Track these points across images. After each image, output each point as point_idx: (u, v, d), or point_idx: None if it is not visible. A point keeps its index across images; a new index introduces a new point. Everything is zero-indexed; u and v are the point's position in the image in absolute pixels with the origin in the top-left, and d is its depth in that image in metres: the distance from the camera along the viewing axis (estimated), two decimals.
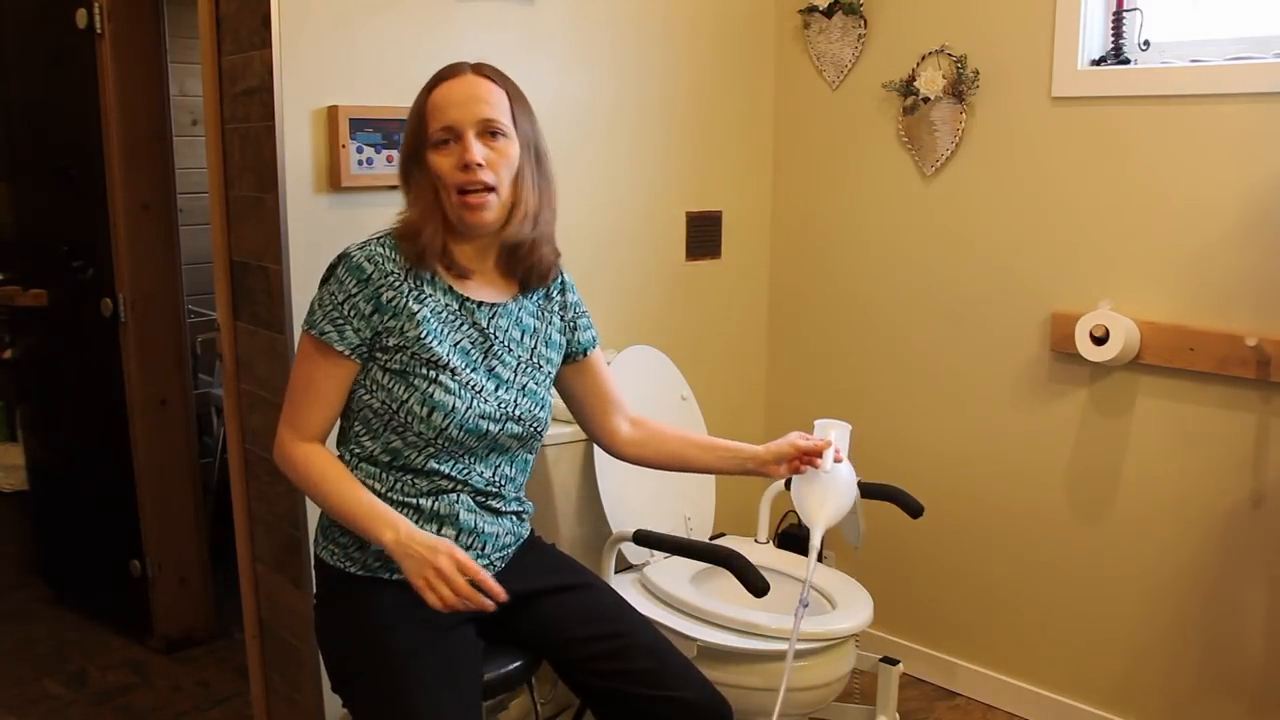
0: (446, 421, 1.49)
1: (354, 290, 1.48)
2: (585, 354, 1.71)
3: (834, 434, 1.64)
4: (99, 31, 2.44)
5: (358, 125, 1.89)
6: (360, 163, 1.90)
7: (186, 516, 2.72)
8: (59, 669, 2.63)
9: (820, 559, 2.55)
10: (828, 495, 1.61)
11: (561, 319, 1.68)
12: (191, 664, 2.67)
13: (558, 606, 1.60)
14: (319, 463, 1.49)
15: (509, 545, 1.63)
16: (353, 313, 1.48)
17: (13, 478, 3.19)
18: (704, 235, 2.63)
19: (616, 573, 2.14)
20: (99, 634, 2.82)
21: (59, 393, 2.91)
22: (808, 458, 1.62)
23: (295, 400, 1.52)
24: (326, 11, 1.85)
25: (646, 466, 1.77)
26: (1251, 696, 2.10)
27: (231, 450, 2.11)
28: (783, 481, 2.29)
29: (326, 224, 1.90)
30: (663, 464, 1.75)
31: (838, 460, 1.62)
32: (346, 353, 1.49)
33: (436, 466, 1.52)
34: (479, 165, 1.47)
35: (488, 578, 1.39)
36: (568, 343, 1.69)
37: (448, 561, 1.37)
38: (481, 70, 1.53)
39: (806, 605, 1.55)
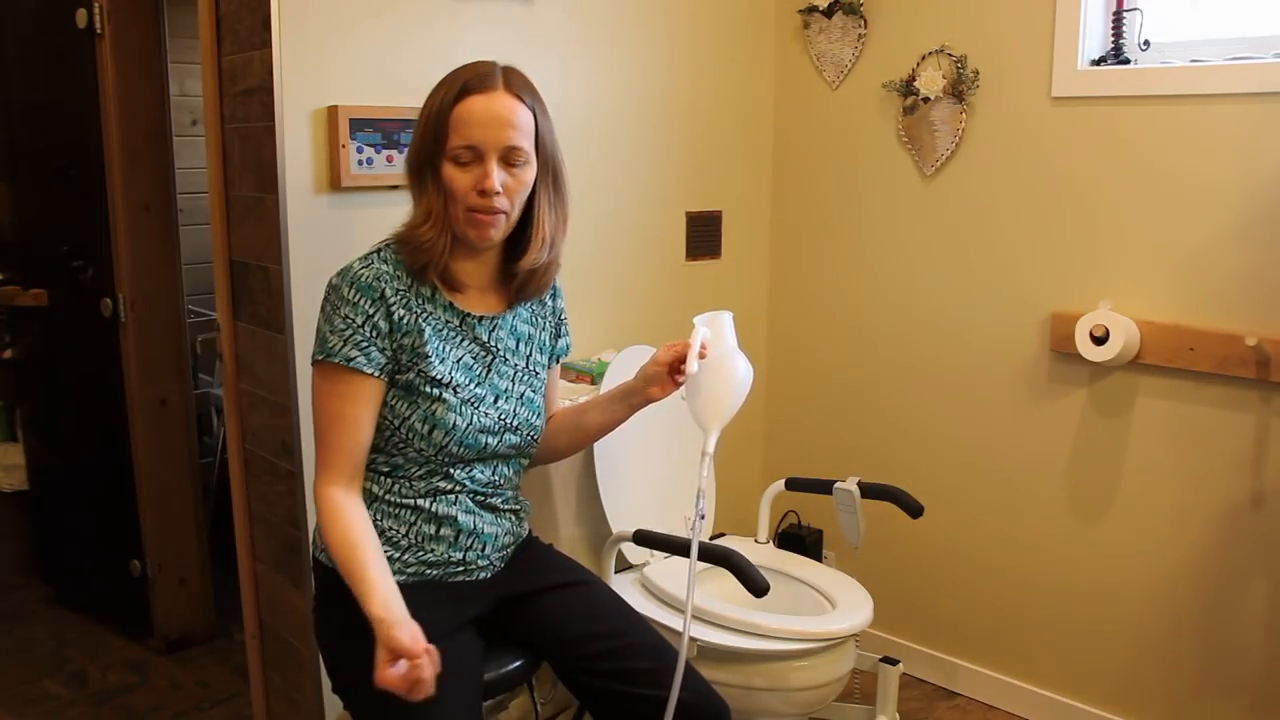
0: (447, 439, 1.50)
1: (370, 310, 1.45)
2: (557, 360, 1.72)
3: (699, 330, 1.54)
4: (99, 31, 2.44)
5: (358, 125, 1.89)
6: (360, 163, 1.90)
7: (186, 516, 2.72)
8: (59, 669, 2.63)
9: (818, 557, 2.54)
10: (703, 395, 1.53)
11: (552, 324, 1.69)
12: (191, 664, 2.67)
13: (557, 606, 1.60)
14: (338, 521, 1.42)
15: (508, 545, 1.63)
16: (374, 333, 1.45)
17: (13, 478, 3.18)
18: (704, 235, 2.63)
19: (616, 573, 2.14)
20: (99, 634, 2.82)
21: (59, 393, 2.91)
22: (675, 367, 1.57)
23: (327, 439, 1.46)
24: (326, 12, 1.85)
25: (568, 454, 1.78)
26: (1251, 696, 2.10)
27: (231, 450, 2.11)
28: (783, 481, 2.30)
29: (326, 224, 1.90)
30: (580, 445, 1.76)
31: (703, 357, 1.52)
32: (376, 374, 1.46)
33: (435, 473, 1.53)
34: (496, 193, 1.45)
35: (410, 648, 1.30)
36: (552, 348, 1.69)
37: (379, 674, 1.29)
38: (511, 86, 1.48)
39: (703, 517, 1.48)
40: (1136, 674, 2.25)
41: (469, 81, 1.46)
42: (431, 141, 1.47)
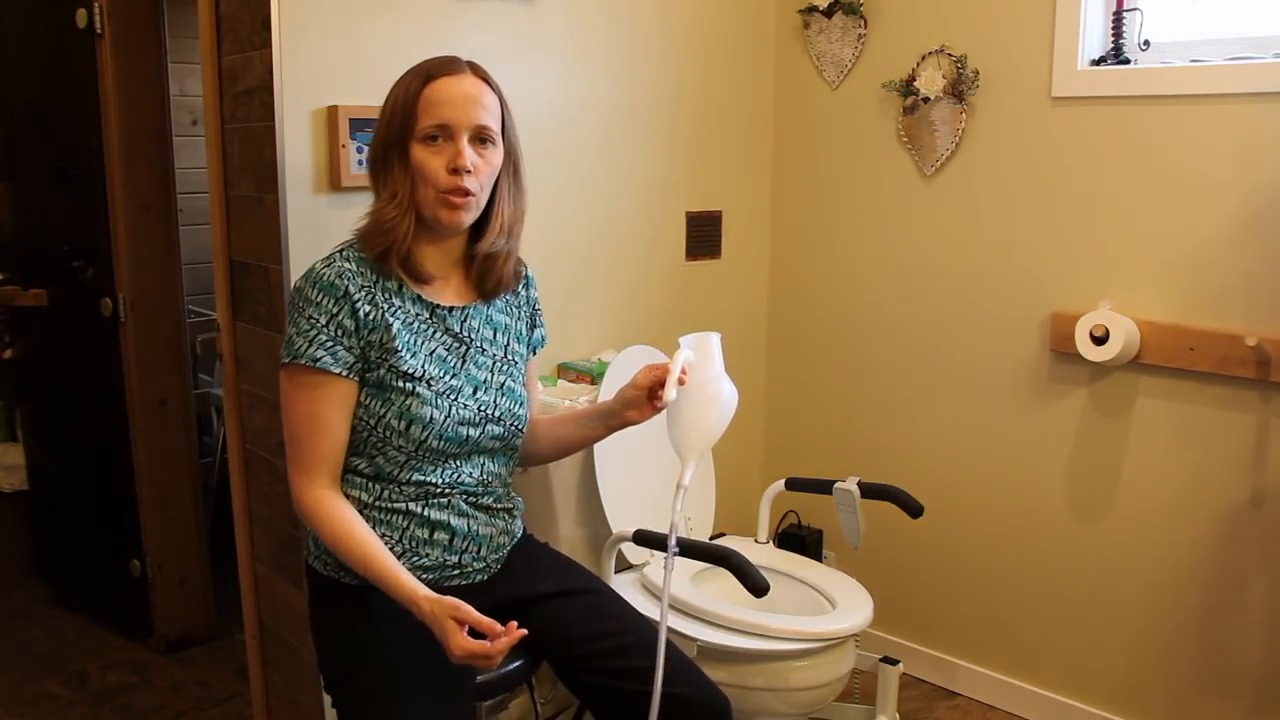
0: (425, 434, 1.48)
1: (334, 309, 1.44)
2: (534, 352, 1.71)
3: (681, 353, 1.49)
4: (99, 31, 2.44)
5: (358, 125, 1.88)
6: (360, 163, 1.90)
7: (186, 516, 2.72)
8: (59, 669, 2.63)
9: (818, 557, 2.53)
10: (682, 423, 1.49)
11: (527, 314, 1.68)
12: (191, 664, 2.67)
13: (558, 610, 1.60)
14: (335, 524, 1.43)
15: (504, 545, 1.63)
16: (340, 332, 1.44)
17: (13, 478, 3.18)
18: (704, 235, 2.63)
19: (616, 573, 2.14)
20: (99, 634, 2.82)
21: (59, 393, 2.91)
22: (655, 392, 1.53)
23: (300, 441, 1.45)
24: (326, 12, 1.85)
25: (541, 463, 1.78)
26: (1251, 696, 2.10)
27: (231, 450, 2.11)
28: (783, 481, 2.30)
29: (326, 224, 1.90)
30: (552, 455, 1.75)
31: (682, 383, 1.48)
32: (345, 373, 1.45)
33: (421, 477, 1.51)
34: (468, 171, 1.45)
35: (491, 624, 1.32)
36: (529, 338, 1.69)
37: (453, 642, 1.31)
38: (478, 71, 1.51)
39: (678, 553, 1.44)
40: (1136, 674, 2.25)
41: (435, 67, 1.49)
42: (399, 127, 1.47)
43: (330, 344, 1.44)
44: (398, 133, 1.47)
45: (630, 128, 2.41)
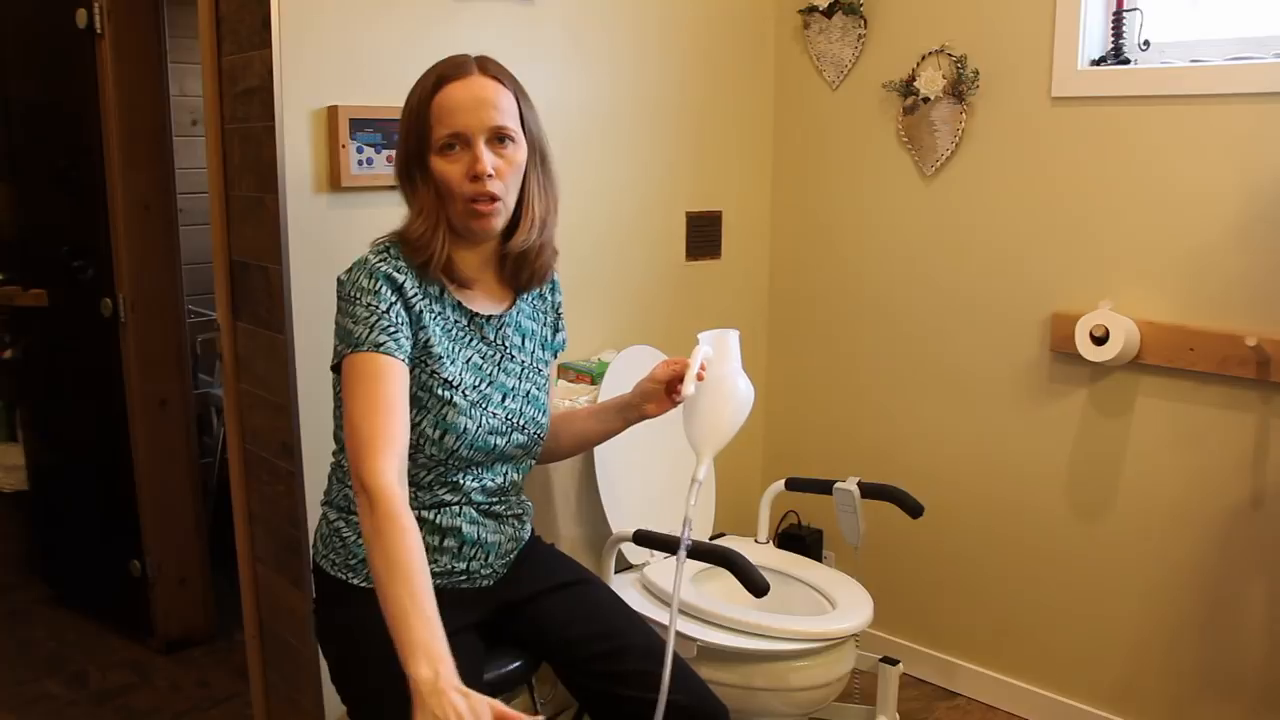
0: (458, 443, 1.47)
1: (393, 299, 1.41)
2: (555, 355, 1.70)
3: (700, 349, 1.48)
4: (99, 31, 2.44)
5: (358, 125, 1.89)
6: (360, 163, 1.90)
7: (186, 516, 2.72)
8: (59, 669, 2.63)
9: (818, 557, 2.53)
10: (699, 418, 1.49)
11: (552, 319, 1.67)
12: (191, 664, 2.67)
13: (556, 607, 1.60)
14: (401, 527, 1.24)
15: (510, 551, 1.62)
16: (400, 320, 1.40)
17: (13, 478, 3.18)
18: (704, 235, 2.63)
19: (616, 573, 2.14)
20: (99, 634, 2.82)
21: (59, 393, 2.91)
22: (673, 386, 1.52)
23: (366, 420, 1.31)
24: (327, 12, 1.85)
25: (559, 459, 1.77)
26: (1251, 696, 2.10)
27: (231, 450, 2.11)
28: (783, 481, 2.30)
29: (326, 224, 1.90)
30: (573, 450, 1.74)
31: (700, 379, 1.46)
32: (405, 360, 1.39)
33: (443, 482, 1.51)
34: (489, 176, 1.42)
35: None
36: (551, 342, 1.68)
37: None
38: (487, 69, 1.46)
39: (689, 546, 1.42)
40: (1136, 674, 2.25)
41: (444, 72, 1.45)
42: (415, 139, 1.44)
43: (393, 330, 1.39)
44: (415, 145, 1.45)
45: (630, 127, 2.41)
